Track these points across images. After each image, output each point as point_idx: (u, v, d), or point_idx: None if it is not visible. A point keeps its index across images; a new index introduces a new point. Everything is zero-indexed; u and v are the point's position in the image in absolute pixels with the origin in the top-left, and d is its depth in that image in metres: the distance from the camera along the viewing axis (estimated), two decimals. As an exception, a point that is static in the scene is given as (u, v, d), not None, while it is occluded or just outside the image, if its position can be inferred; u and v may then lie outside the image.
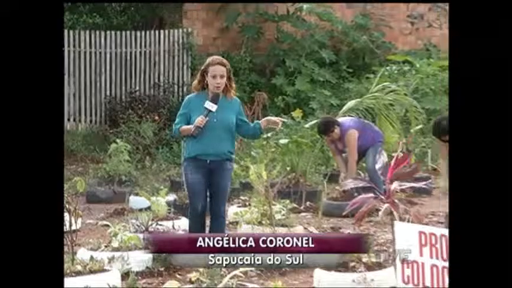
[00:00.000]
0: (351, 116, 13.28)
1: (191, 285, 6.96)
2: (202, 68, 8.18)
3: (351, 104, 13.44)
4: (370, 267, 7.46)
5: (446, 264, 3.39)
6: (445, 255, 3.39)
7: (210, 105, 7.89)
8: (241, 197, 12.30)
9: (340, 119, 12.81)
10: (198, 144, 8.09)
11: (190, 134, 8.02)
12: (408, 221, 9.23)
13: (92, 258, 7.87)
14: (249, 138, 9.25)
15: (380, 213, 10.01)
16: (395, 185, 10.57)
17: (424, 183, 11.18)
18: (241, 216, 10.42)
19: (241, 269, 6.86)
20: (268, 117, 8.67)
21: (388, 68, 19.89)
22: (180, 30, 20.30)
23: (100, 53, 19.74)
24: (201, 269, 7.28)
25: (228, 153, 8.28)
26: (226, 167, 8.29)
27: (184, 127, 8.11)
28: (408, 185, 10.76)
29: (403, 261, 3.99)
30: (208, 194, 8.25)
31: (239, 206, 11.41)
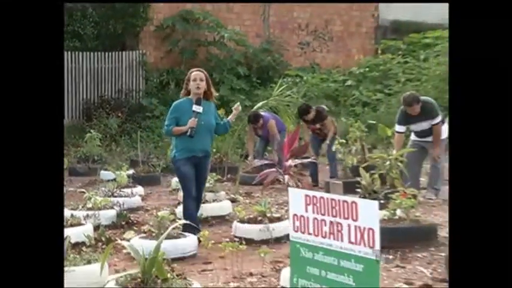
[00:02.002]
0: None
1: (144, 234, 6.91)
2: (186, 78, 7.41)
3: (259, 104, 13.44)
4: (272, 220, 7.49)
5: (324, 217, 3.40)
6: (323, 211, 3.38)
7: (197, 108, 7.09)
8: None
9: (262, 113, 12.92)
10: (187, 145, 7.21)
11: (186, 134, 7.08)
12: (298, 187, 9.37)
13: (72, 215, 7.83)
14: (221, 134, 8.38)
15: (285, 180, 10.14)
16: (289, 162, 10.70)
17: (308, 160, 11.34)
18: (181, 185, 10.48)
19: (180, 222, 6.81)
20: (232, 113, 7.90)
21: (285, 79, 20.07)
22: (137, 51, 20.21)
23: (79, 68, 19.55)
24: (151, 222, 7.23)
25: (210, 150, 7.59)
26: (207, 160, 7.58)
27: (177, 128, 7.20)
28: (298, 161, 10.93)
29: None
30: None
31: (180, 178, 11.40)
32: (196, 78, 7.22)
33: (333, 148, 11.90)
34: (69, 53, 19.31)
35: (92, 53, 19.72)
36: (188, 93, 7.33)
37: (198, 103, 7.14)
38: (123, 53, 19.99)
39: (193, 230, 6.94)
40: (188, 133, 7.07)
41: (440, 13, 24.91)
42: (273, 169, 10.96)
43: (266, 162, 11.82)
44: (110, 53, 19.89)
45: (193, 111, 7.07)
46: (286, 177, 10.47)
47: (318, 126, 12.02)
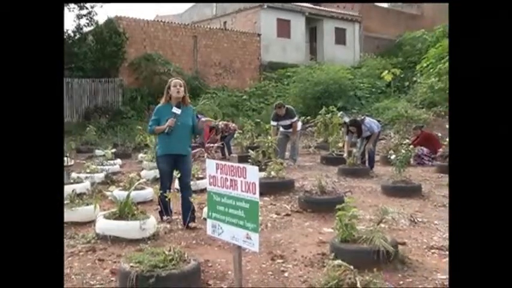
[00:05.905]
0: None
1: (121, 188, 6.69)
2: (166, 86, 5.53)
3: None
4: (198, 179, 7.39)
5: (227, 176, 3.36)
6: (226, 172, 3.35)
7: (176, 110, 5.30)
8: (143, 150, 11.99)
9: (199, 116, 12.99)
10: (166, 144, 5.37)
11: (164, 131, 5.31)
12: (214, 159, 9.29)
13: (77, 177, 7.61)
14: (197, 133, 5.85)
15: (197, 154, 9.99)
16: (209, 144, 10.59)
17: (220, 143, 11.30)
18: (144, 158, 10.20)
19: (143, 180, 6.63)
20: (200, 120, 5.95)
21: (206, 95, 19.98)
22: (118, 78, 19.50)
23: (82, 88, 18.81)
24: (125, 180, 7.01)
25: (188, 147, 5.53)
26: (185, 158, 5.45)
27: (158, 127, 5.36)
28: (216, 144, 10.86)
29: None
30: (178, 173, 5.37)
31: (143, 154, 11.11)
32: (176, 84, 5.47)
33: (231, 140, 12.16)
34: (76, 79, 18.62)
35: (90, 80, 18.95)
36: (168, 99, 5.51)
37: (177, 106, 5.39)
38: (109, 79, 19.30)
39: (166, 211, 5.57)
40: (166, 131, 5.32)
41: (296, 57, 25.33)
42: (199, 149, 10.96)
43: (195, 144, 11.84)
44: (101, 79, 19.14)
45: (173, 112, 5.35)
46: (206, 154, 10.54)
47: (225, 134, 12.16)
